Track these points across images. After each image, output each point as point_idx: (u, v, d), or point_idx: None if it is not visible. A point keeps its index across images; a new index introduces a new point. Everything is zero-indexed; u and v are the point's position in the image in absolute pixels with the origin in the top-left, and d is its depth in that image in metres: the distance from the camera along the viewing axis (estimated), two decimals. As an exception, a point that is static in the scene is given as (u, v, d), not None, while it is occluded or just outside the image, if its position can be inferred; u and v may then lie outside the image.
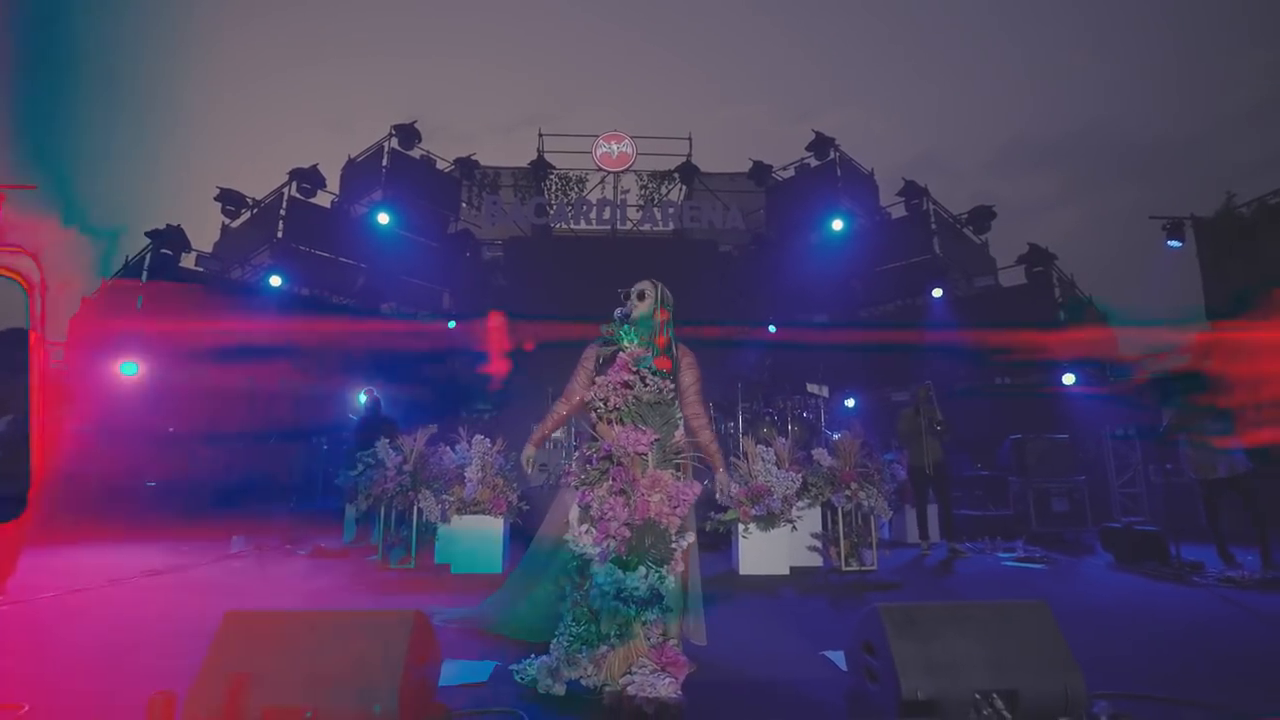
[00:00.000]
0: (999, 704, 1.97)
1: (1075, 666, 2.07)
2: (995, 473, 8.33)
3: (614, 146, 13.60)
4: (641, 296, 2.87)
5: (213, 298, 9.91)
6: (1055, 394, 9.17)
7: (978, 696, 1.99)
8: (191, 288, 9.76)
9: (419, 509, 5.20)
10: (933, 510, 6.61)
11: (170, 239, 9.52)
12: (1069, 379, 8.99)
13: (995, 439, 8.34)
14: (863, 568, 4.99)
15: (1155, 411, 6.24)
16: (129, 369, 8.53)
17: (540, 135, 13.78)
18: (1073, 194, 41.74)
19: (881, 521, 6.36)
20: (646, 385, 2.49)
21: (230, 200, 11.13)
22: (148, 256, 9.48)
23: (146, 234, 9.48)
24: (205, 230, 11.35)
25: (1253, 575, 4.77)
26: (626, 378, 2.50)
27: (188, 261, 9.97)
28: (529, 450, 3.12)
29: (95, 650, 3.04)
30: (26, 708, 2.11)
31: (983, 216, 11.66)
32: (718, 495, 5.09)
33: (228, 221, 11.57)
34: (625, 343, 2.66)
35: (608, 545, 2.34)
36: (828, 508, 5.31)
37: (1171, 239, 8.38)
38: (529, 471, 3.13)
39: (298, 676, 1.88)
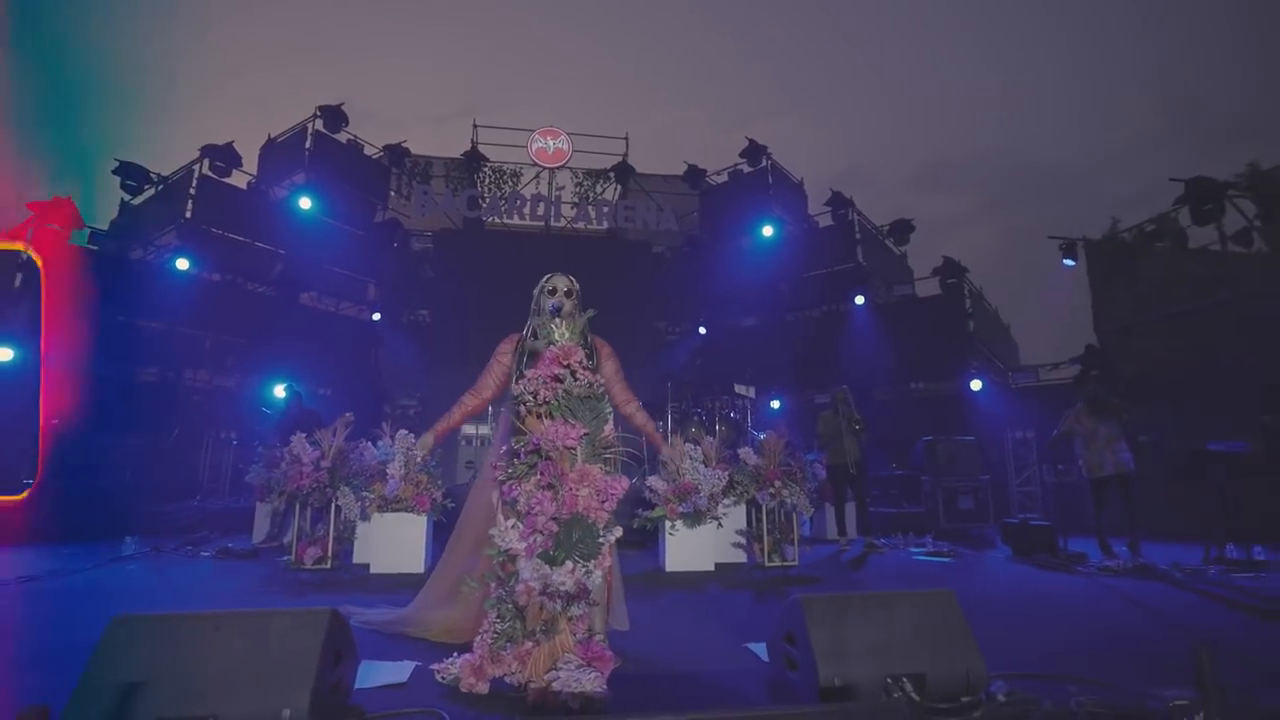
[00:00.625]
0: (908, 687, 2.08)
1: (976, 650, 2.22)
2: (909, 472, 8.80)
3: (550, 142, 13.48)
4: (569, 293, 2.86)
5: (109, 279, 9.11)
6: (963, 398, 9.78)
7: (889, 680, 2.10)
8: (82, 267, 8.93)
9: (337, 506, 4.97)
10: (850, 508, 6.90)
11: (59, 214, 8.67)
12: (976, 385, 9.61)
13: (910, 440, 8.82)
14: (785, 563, 5.15)
15: (1053, 415, 6.75)
16: (4, 354, 7.71)
17: (475, 126, 13.50)
18: (983, 212, 44.74)
19: (803, 519, 6.60)
20: (577, 379, 2.47)
21: (131, 175, 10.26)
22: (30, 230, 8.60)
23: (29, 205, 8.60)
24: (101, 206, 10.45)
25: (1126, 564, 5.27)
26: (557, 371, 2.48)
27: (79, 239, 9.11)
28: (427, 438, 3.14)
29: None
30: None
31: (903, 229, 12.29)
32: (661, 464, 5.15)
33: (128, 198, 10.67)
34: (557, 336, 2.64)
35: (534, 540, 2.31)
36: (752, 505, 5.45)
37: (1066, 258, 9.12)
38: (421, 459, 3.10)
39: (198, 682, 1.76)
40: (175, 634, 1.85)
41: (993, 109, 42.77)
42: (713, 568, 5.27)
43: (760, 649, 2.81)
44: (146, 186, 10.45)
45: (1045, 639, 3.24)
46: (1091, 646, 3.09)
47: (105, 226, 10.02)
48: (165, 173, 10.62)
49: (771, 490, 5.25)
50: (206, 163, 10.48)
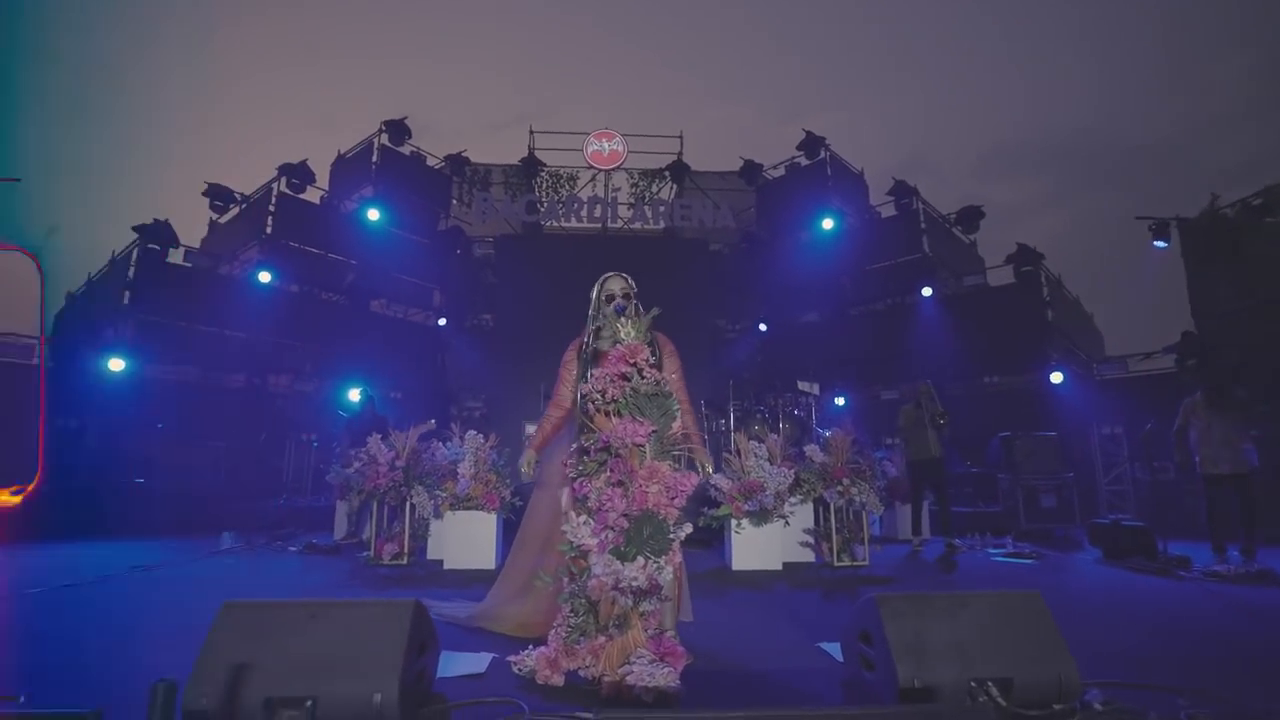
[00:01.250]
0: (994, 691, 1.99)
1: (1069, 655, 2.10)
2: (984, 469, 8.42)
3: (605, 144, 13.60)
4: (627, 295, 2.89)
5: (201, 293, 9.82)
6: (1043, 392, 9.27)
7: (973, 684, 2.01)
8: (179, 284, 9.66)
9: (412, 505, 5.18)
10: (926, 506, 6.66)
11: (157, 234, 9.41)
12: (1057, 377, 9.10)
13: (984, 436, 8.43)
14: (855, 563, 5.02)
15: (1145, 408, 6.31)
16: (116, 365, 8.42)
17: (531, 132, 13.76)
18: (1060, 196, 42.23)
19: (873, 518, 6.42)
20: (644, 377, 2.49)
21: (218, 196, 11.03)
22: (135, 252, 9.37)
23: (134, 229, 9.36)
24: (193, 226, 11.25)
25: (1237, 569, 4.86)
26: (624, 370, 2.51)
27: (175, 257, 9.85)
28: (530, 455, 3.06)
29: (89, 643, 3.01)
30: (22, 698, 2.09)
31: (971, 216, 11.77)
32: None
33: (215, 217, 11.46)
34: (623, 335, 2.66)
35: (605, 536, 2.34)
36: (820, 504, 5.34)
37: (1158, 239, 8.48)
38: (526, 475, 3.10)
39: (298, 665, 1.87)
40: (277, 620, 1.98)
41: (1066, 87, 40.30)
42: (780, 567, 5.19)
43: (833, 648, 2.75)
44: (232, 206, 11.20)
45: (1144, 647, 3.03)
46: (1198, 657, 2.86)
47: (197, 245, 10.82)
48: (247, 192, 11.34)
49: (839, 488, 5.14)
50: (284, 180, 11.12)
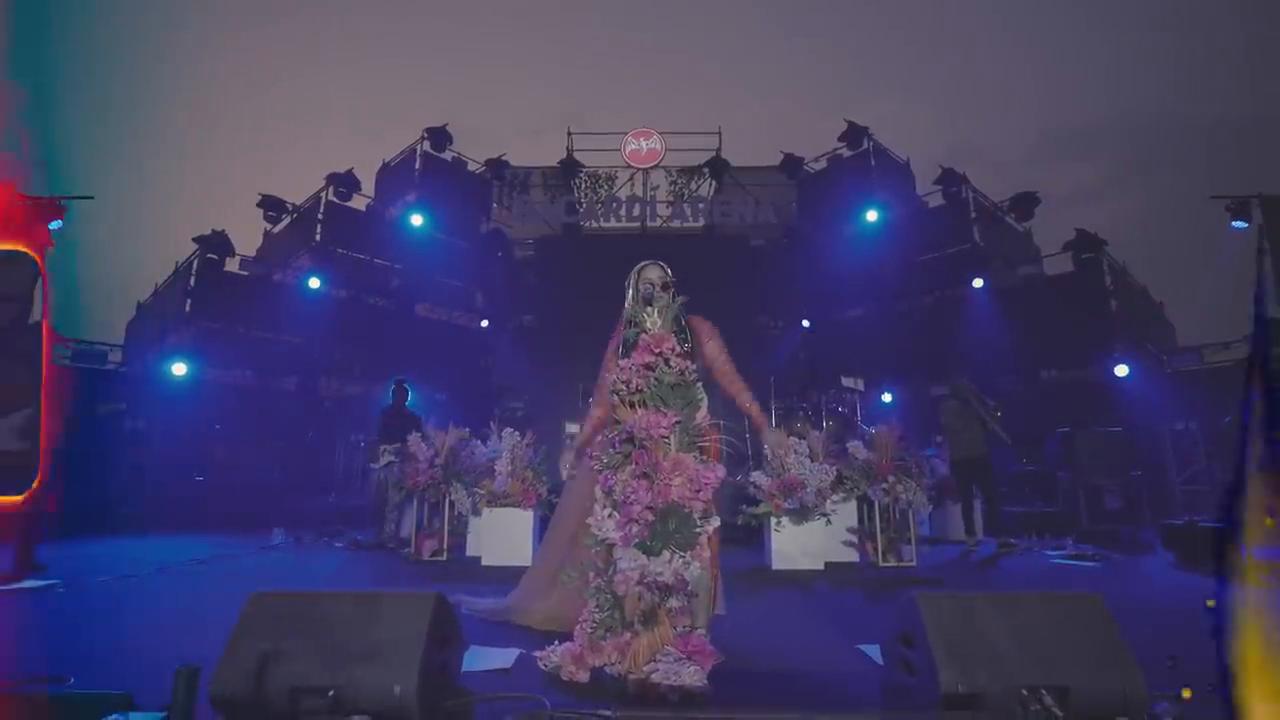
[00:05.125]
0: (1048, 700, 1.84)
1: (1134, 665, 1.92)
2: (1040, 467, 7.99)
3: (643, 143, 13.54)
4: (664, 284, 2.81)
5: (255, 300, 10.22)
6: (1106, 386, 8.74)
7: (1025, 692, 1.86)
8: (235, 291, 10.10)
9: (450, 501, 5.24)
10: (978, 505, 6.36)
11: (215, 244, 9.85)
12: (1122, 370, 8.57)
13: (1040, 433, 8.00)
14: (901, 563, 4.83)
15: (1224, 402, 5.87)
16: (179, 370, 8.85)
17: (569, 134, 13.82)
18: (1123, 180, 40.01)
19: (921, 517, 6.17)
20: (670, 366, 2.42)
21: (271, 206, 11.45)
22: (195, 262, 9.83)
23: (194, 239, 9.83)
24: (250, 235, 11.72)
25: (1330, 574, 4.45)
26: (648, 359, 2.44)
27: (232, 266, 10.30)
28: (568, 456, 3.01)
29: (138, 629, 3.14)
30: (72, 680, 2.21)
31: (1026, 203, 11.20)
32: (765, 456, 4.96)
33: (269, 227, 11.92)
34: (649, 325, 2.60)
35: (631, 529, 2.28)
36: (864, 502, 5.17)
37: (1237, 219, 7.83)
38: (568, 475, 3.04)
39: (321, 655, 1.88)
40: (301, 609, 1.99)
41: (1125, 65, 38.09)
42: (822, 566, 5.02)
43: (874, 651, 2.61)
44: (284, 215, 11.63)
45: (1220, 658, 2.77)
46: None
47: (253, 253, 11.28)
48: (298, 202, 11.76)
49: (885, 486, 4.95)
50: (331, 189, 11.48)
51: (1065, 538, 6.61)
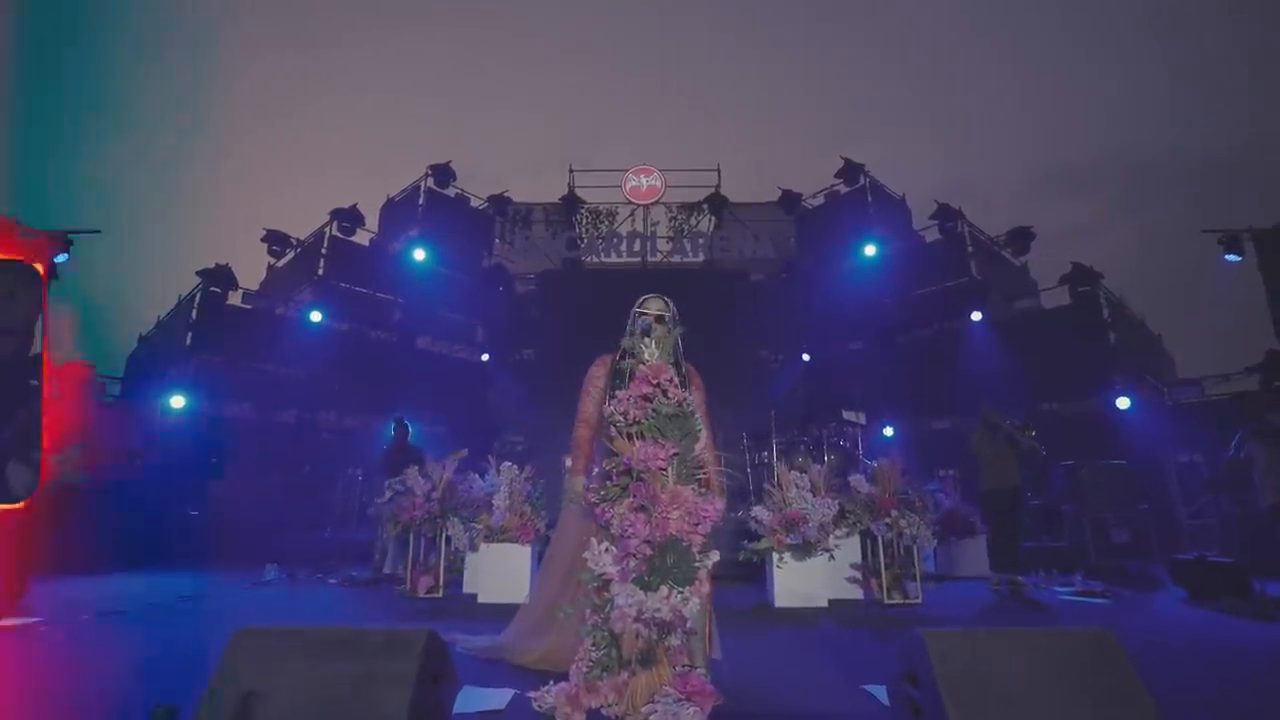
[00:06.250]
0: (1061, 742, 1.77)
1: (1151, 704, 1.86)
2: (1045, 500, 7.88)
3: (643, 180, 13.77)
4: (661, 318, 2.83)
5: (256, 333, 10.26)
6: (1108, 418, 8.69)
7: (1036, 733, 1.80)
8: (236, 324, 10.14)
9: (447, 537, 5.15)
10: (982, 541, 6.25)
11: (219, 278, 9.94)
12: (1123, 402, 8.53)
13: (1043, 466, 7.91)
14: (907, 600, 4.72)
15: (1228, 434, 5.82)
16: (177, 403, 8.82)
17: (571, 171, 14.07)
18: (1115, 215, 40.51)
19: (927, 553, 6.05)
20: (668, 397, 2.40)
21: (276, 241, 11.61)
22: (198, 295, 9.90)
23: (197, 273, 9.92)
24: (254, 269, 11.83)
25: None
26: (647, 390, 2.43)
27: (234, 299, 10.36)
28: (579, 481, 2.91)
29: (119, 669, 3.05)
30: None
31: (1022, 238, 11.35)
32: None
33: (273, 261, 12.04)
34: (647, 356, 2.59)
35: (628, 564, 2.23)
36: (867, 537, 5.08)
37: (1229, 253, 7.91)
38: (579, 499, 2.97)
39: (307, 693, 1.82)
40: (287, 646, 1.93)
41: (1113, 107, 38.99)
42: (826, 604, 4.90)
43: (880, 691, 2.53)
44: (288, 250, 11.76)
45: (1241, 699, 2.69)
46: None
47: (255, 287, 11.37)
48: (301, 236, 11.90)
49: (888, 520, 4.87)
50: (335, 224, 11.64)
51: (1073, 573, 6.47)
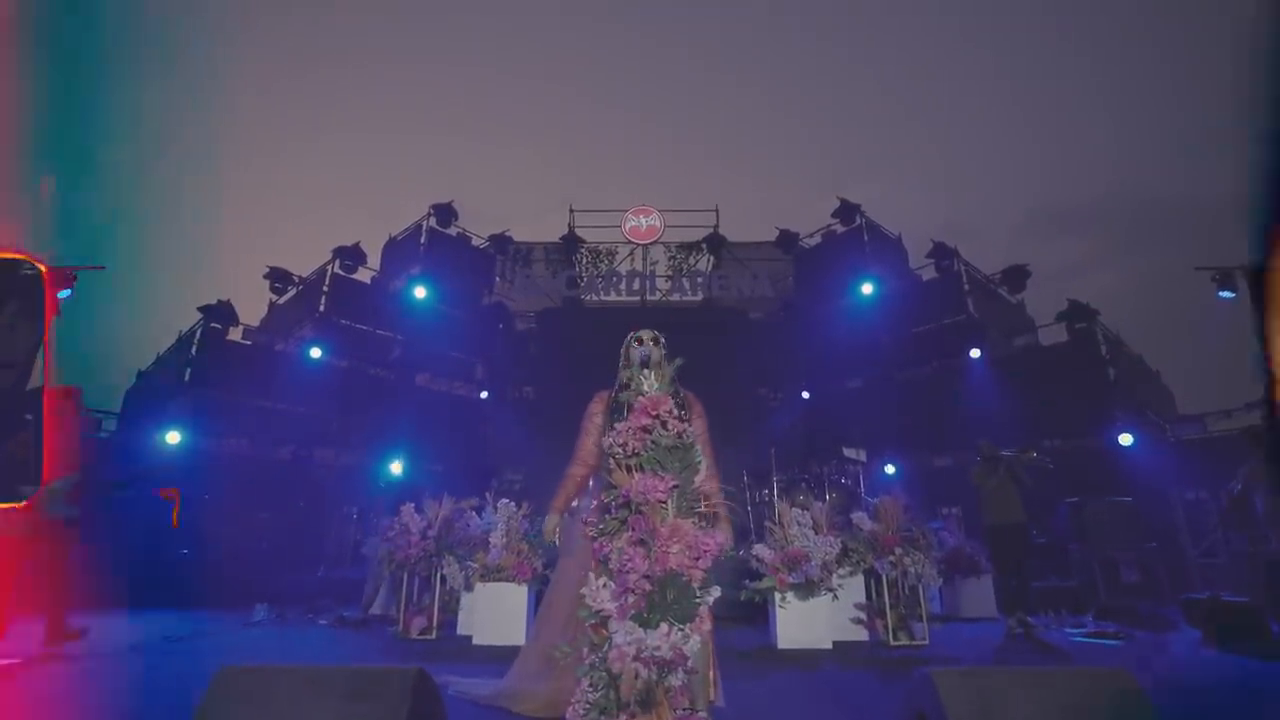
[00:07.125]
0: (1080, 788, 1.69)
1: (1168, 745, 1.78)
2: (1051, 539, 7.74)
3: (643, 220, 13.98)
4: (658, 341, 2.84)
5: (255, 369, 10.25)
6: (1110, 454, 8.61)
7: (1053, 778, 1.72)
8: (236, 360, 10.13)
9: (442, 576, 5.04)
10: (988, 580, 6.10)
11: (220, 314, 9.97)
12: (1126, 439, 8.47)
13: (1046, 503, 7.80)
14: (913, 642, 4.59)
15: (1234, 471, 5.76)
16: (173, 439, 8.74)
17: (571, 211, 14.29)
18: (1109, 254, 41.06)
19: (933, 593, 5.91)
20: (667, 429, 2.38)
21: (278, 278, 11.68)
22: (198, 330, 9.92)
23: (199, 309, 9.96)
24: (256, 306, 11.88)
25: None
26: (646, 422, 2.40)
27: (235, 335, 10.38)
28: (553, 519, 2.89)
29: (99, 711, 2.93)
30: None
31: (1017, 276, 11.45)
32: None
33: (275, 299, 12.11)
34: (646, 387, 2.58)
35: (627, 600, 2.17)
36: (871, 576, 4.97)
37: (1223, 289, 7.97)
38: (554, 542, 2.94)
39: (289, 738, 1.74)
40: (273, 686, 1.86)
41: (1104, 150, 40.02)
42: (830, 646, 4.76)
43: (889, 737, 2.43)
44: (290, 287, 11.84)
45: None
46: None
47: (256, 324, 11.41)
48: (304, 274, 12.00)
49: (891, 559, 4.78)
50: (337, 262, 11.75)
51: (1083, 614, 6.31)
